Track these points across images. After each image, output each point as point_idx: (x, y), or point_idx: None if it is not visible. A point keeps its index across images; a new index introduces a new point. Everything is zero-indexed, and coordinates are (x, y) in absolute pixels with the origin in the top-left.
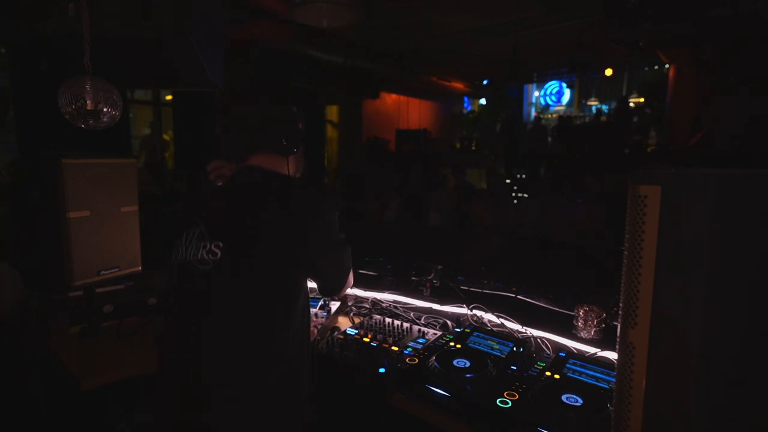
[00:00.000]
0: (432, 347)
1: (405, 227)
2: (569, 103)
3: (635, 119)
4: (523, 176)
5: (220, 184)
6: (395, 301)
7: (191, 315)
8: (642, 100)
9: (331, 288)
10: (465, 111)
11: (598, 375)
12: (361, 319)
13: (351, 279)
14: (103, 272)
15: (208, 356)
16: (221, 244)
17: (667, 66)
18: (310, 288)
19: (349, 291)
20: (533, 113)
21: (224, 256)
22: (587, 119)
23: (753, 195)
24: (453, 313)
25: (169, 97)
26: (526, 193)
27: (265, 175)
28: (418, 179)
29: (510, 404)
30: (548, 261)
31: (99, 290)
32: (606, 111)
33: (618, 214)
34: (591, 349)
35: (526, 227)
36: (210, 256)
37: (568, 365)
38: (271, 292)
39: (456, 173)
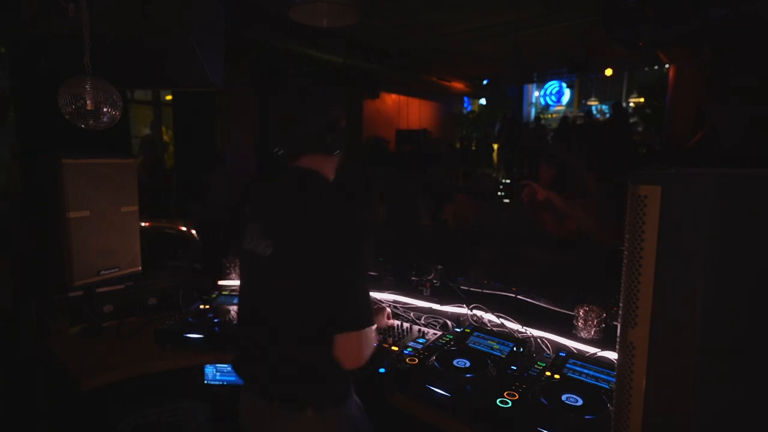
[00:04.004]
0: (432, 347)
1: (404, 228)
2: (569, 103)
3: (634, 119)
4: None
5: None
6: (395, 301)
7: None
8: (642, 100)
9: (347, 321)
10: (465, 111)
11: (598, 375)
12: None
13: (371, 338)
14: (103, 272)
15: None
16: (268, 242)
17: (667, 66)
18: None
19: None
20: (533, 113)
21: (273, 255)
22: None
23: (753, 195)
24: (453, 313)
25: (169, 97)
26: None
27: (310, 175)
28: None
29: (510, 404)
30: (548, 261)
31: (99, 290)
32: (606, 111)
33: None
34: (591, 349)
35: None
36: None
37: (568, 365)
38: (305, 299)
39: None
